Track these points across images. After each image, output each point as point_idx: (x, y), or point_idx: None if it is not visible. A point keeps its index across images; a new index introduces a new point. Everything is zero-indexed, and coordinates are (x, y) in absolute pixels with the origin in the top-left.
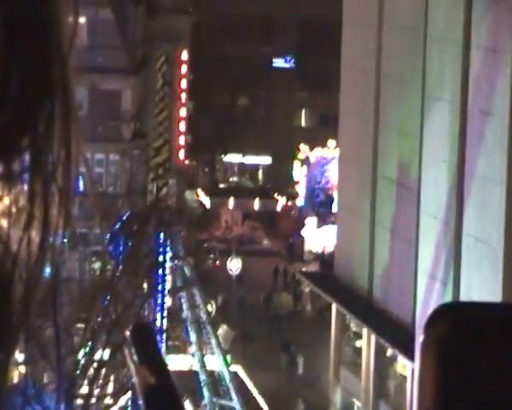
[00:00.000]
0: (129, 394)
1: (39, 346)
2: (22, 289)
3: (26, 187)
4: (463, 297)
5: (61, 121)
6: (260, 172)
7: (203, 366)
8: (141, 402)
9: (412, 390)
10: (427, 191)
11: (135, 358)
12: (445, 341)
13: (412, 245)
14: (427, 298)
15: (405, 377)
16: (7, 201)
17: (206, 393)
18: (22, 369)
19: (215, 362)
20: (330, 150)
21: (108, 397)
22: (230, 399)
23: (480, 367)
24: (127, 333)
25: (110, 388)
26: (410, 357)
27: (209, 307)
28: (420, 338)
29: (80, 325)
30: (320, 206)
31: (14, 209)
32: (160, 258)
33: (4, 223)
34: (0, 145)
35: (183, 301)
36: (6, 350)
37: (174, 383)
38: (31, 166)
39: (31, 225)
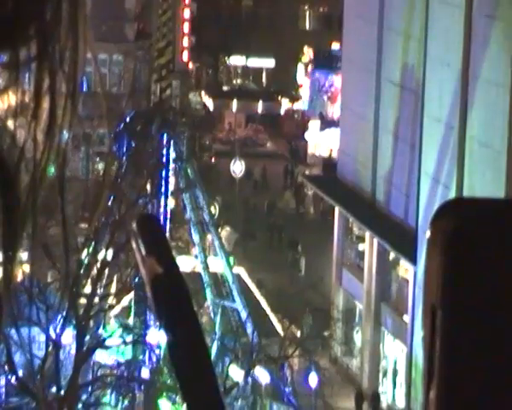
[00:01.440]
0: (132, 294)
1: (43, 244)
2: (29, 182)
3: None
4: None
5: (69, 9)
6: (264, 75)
7: (206, 267)
8: (148, 293)
9: (414, 293)
10: (431, 94)
11: (141, 249)
12: (451, 236)
13: (415, 148)
14: (430, 201)
15: (407, 281)
16: (14, 91)
17: (209, 294)
18: (26, 268)
19: (218, 263)
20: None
21: (111, 297)
22: (233, 300)
23: (485, 261)
24: (133, 224)
25: (113, 288)
26: (412, 260)
27: (212, 209)
28: (426, 234)
29: (83, 225)
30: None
31: (20, 100)
32: (164, 159)
33: (10, 115)
34: (6, 33)
35: (186, 202)
36: (13, 246)
37: (181, 272)
38: (38, 55)
39: (37, 115)
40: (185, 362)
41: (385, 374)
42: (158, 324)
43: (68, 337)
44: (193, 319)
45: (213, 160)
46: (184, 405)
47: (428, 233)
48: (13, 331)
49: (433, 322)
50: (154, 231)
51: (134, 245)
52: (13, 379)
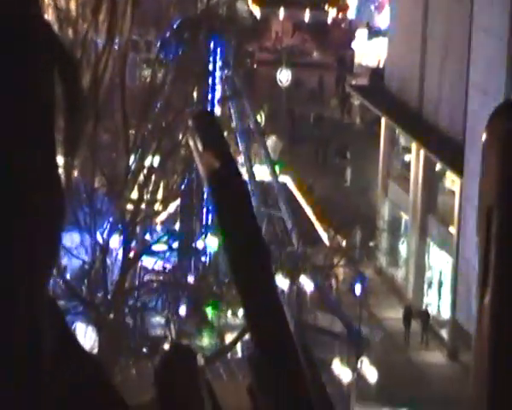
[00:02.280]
0: (178, 201)
1: (91, 150)
2: (90, 76)
3: None
4: None
5: None
6: None
7: (252, 175)
8: (206, 188)
9: (460, 205)
10: (481, 5)
11: (198, 145)
12: (508, 137)
13: (464, 59)
14: (478, 113)
15: (454, 192)
16: None
17: (254, 203)
18: (75, 173)
19: (264, 172)
20: None
21: (158, 203)
22: (279, 209)
23: None
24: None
25: (160, 194)
26: (459, 172)
27: (258, 117)
28: (482, 137)
29: (131, 132)
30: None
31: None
32: (210, 67)
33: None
34: None
35: (232, 110)
36: (73, 150)
37: (237, 165)
38: None
39: (99, 9)
40: (242, 259)
41: (430, 285)
42: (204, 229)
43: (115, 243)
44: (250, 213)
45: (255, 66)
46: (241, 306)
47: (485, 135)
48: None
49: (488, 226)
50: (211, 126)
51: (191, 141)
52: (61, 283)
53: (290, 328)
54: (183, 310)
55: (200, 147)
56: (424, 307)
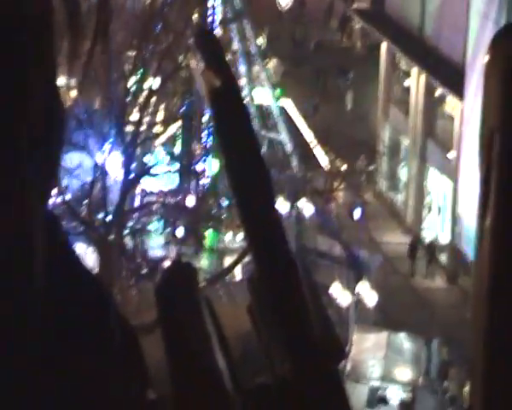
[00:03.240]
0: (178, 123)
1: (92, 70)
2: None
3: None
4: None
5: None
6: None
7: (252, 98)
8: (208, 107)
9: (460, 130)
10: None
11: (200, 63)
12: (509, 61)
13: None
14: (479, 38)
15: (453, 118)
16: None
17: (254, 126)
18: (74, 93)
19: (264, 95)
20: None
21: (158, 125)
22: (279, 133)
23: None
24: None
25: (160, 116)
26: (460, 96)
27: (259, 40)
28: (485, 58)
29: (131, 53)
30: None
31: None
32: None
33: None
34: None
35: (233, 33)
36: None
37: (239, 86)
38: None
39: None
40: (243, 178)
41: (429, 209)
42: (204, 152)
43: (115, 164)
44: (251, 132)
45: None
46: (242, 226)
47: (487, 57)
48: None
49: (489, 149)
50: (213, 45)
51: (192, 60)
52: (61, 203)
53: (291, 248)
54: (181, 232)
55: (201, 65)
56: (430, 239)
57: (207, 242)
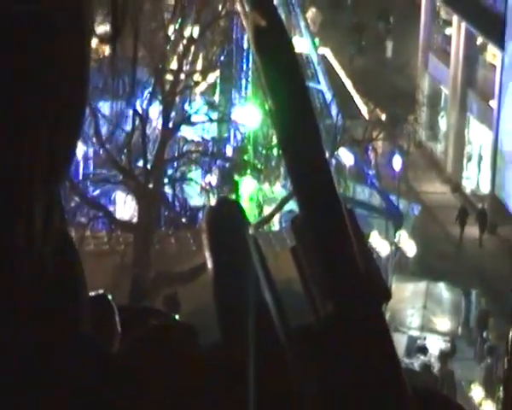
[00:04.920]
0: (218, 72)
1: (131, 19)
2: None
3: None
4: None
5: None
6: None
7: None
8: (251, 49)
9: (501, 79)
10: None
11: (245, 4)
12: None
13: None
14: None
15: (494, 66)
16: None
17: None
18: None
19: (303, 44)
20: None
21: (197, 74)
22: (318, 82)
23: None
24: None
25: (199, 65)
26: (501, 45)
27: None
28: None
29: (171, 1)
30: None
31: None
32: None
33: None
34: None
35: None
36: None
37: (285, 28)
38: None
39: None
40: (289, 117)
41: (469, 159)
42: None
43: (155, 113)
44: (297, 73)
45: None
46: (286, 168)
47: None
48: (100, 104)
49: None
50: None
51: (238, 3)
52: (101, 152)
53: (335, 189)
54: (219, 181)
55: (247, 7)
56: (481, 205)
57: (245, 191)
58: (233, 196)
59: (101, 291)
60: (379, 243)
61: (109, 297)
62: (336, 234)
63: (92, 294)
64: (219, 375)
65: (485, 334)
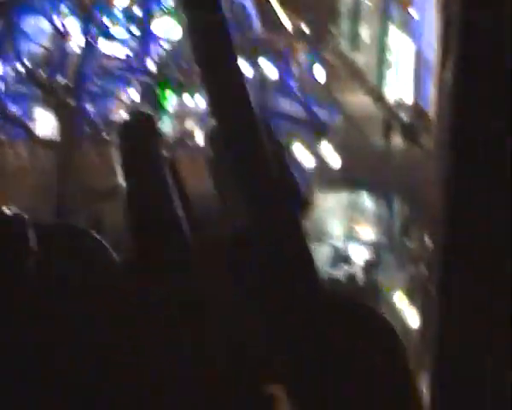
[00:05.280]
0: None
1: None
2: None
3: None
4: None
5: None
6: None
7: None
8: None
9: None
10: None
11: None
12: None
13: None
14: None
15: None
16: None
17: None
18: None
19: None
20: None
21: None
22: None
23: None
24: None
25: None
26: None
27: None
28: None
29: None
30: None
31: None
32: None
33: None
34: None
35: None
36: None
37: None
38: None
39: None
40: (205, 35)
41: (391, 69)
42: (164, 15)
43: (74, 27)
44: None
45: None
46: (202, 81)
47: None
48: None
49: (447, 5)
50: None
51: None
52: (19, 67)
53: (249, 100)
54: (139, 94)
55: None
56: (404, 116)
57: (165, 104)
58: (153, 111)
59: (14, 209)
60: (303, 155)
61: (22, 215)
62: (250, 144)
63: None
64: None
65: (407, 242)
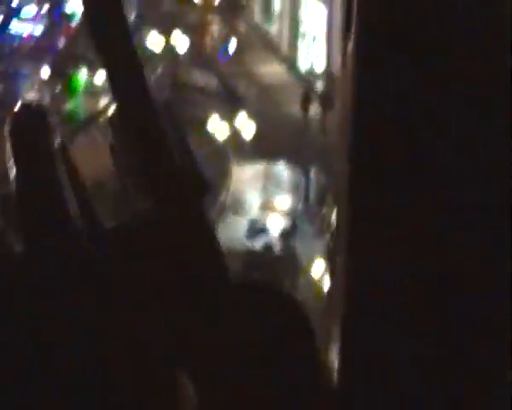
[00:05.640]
0: None
1: None
2: None
3: None
4: None
5: None
6: None
7: None
8: None
9: None
10: None
11: None
12: None
13: None
14: None
15: None
16: None
17: None
18: None
19: None
20: None
21: None
22: None
23: None
24: None
25: None
26: None
27: None
28: None
29: None
30: None
31: None
32: None
33: None
34: None
35: None
36: None
37: None
38: None
39: None
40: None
41: (304, 38)
42: None
43: None
44: None
45: None
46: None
47: None
48: None
49: None
50: None
51: None
52: None
53: (149, 87)
54: (49, 74)
55: None
56: (320, 86)
57: (77, 83)
58: (65, 90)
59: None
60: (219, 127)
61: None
62: (149, 129)
63: None
64: None
65: (324, 210)
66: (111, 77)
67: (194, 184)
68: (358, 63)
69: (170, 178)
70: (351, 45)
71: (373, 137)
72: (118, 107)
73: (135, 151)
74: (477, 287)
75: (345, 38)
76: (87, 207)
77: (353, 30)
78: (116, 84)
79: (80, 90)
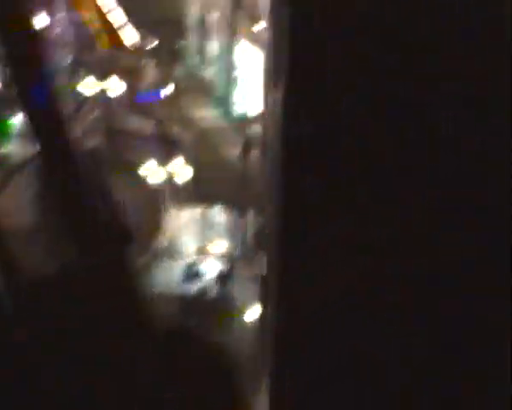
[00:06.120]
0: None
1: None
2: None
3: None
4: None
5: None
6: None
7: None
8: None
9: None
10: None
11: None
12: None
13: None
14: None
15: None
16: None
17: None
18: None
19: None
20: None
21: None
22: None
23: None
24: None
25: None
26: None
27: None
28: None
29: None
30: None
31: None
32: None
33: None
34: None
35: None
36: None
37: None
38: None
39: None
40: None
41: (238, 82)
42: None
43: None
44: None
45: None
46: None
47: None
48: None
49: (279, 24)
50: None
51: None
52: None
53: (72, 137)
54: None
55: None
56: (260, 134)
57: (9, 128)
58: None
59: None
60: (154, 172)
61: None
62: (70, 178)
63: None
64: None
65: (261, 254)
66: (34, 127)
67: (116, 235)
68: (286, 110)
69: (93, 230)
70: (280, 93)
71: (297, 180)
72: (42, 155)
73: (58, 201)
74: (474, 287)
75: (275, 86)
76: (7, 259)
77: (283, 79)
78: (39, 134)
79: (13, 133)
